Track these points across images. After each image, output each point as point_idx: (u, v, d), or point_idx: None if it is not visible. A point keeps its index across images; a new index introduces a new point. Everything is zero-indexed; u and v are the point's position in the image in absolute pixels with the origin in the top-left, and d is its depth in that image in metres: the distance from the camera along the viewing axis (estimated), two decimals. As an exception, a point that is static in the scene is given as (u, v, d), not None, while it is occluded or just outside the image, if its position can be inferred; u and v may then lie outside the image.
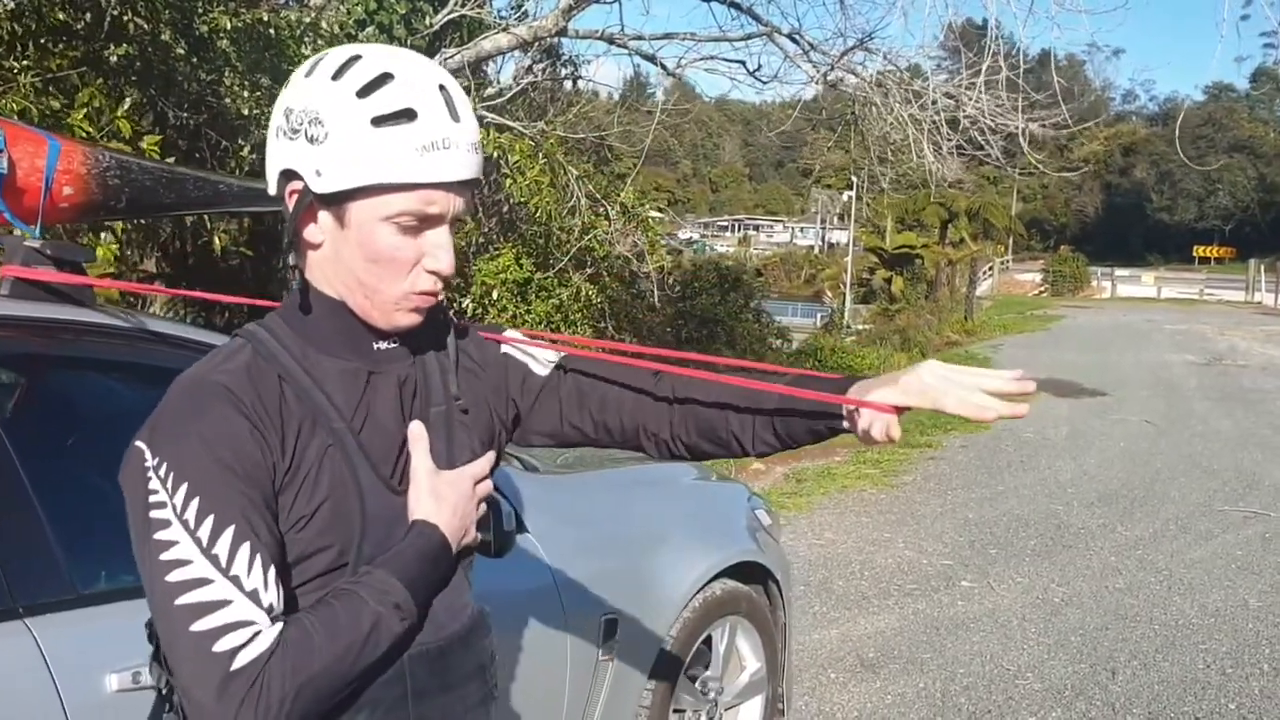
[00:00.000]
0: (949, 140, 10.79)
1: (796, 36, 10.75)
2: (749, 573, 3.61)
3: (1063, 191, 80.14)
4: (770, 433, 1.50)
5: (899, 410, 1.37)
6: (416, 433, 1.42)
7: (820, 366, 13.46)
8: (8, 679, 1.77)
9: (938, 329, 23.76)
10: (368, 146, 1.28)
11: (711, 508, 3.80)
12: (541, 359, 1.59)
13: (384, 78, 1.30)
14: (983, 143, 10.64)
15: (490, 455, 1.50)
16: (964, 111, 10.25)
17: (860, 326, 26.98)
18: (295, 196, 1.33)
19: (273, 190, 1.37)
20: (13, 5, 4.64)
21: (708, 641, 3.47)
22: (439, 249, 1.35)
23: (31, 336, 2.15)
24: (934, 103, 10.55)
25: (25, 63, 4.66)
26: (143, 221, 5.56)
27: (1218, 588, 6.29)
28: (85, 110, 4.73)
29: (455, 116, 1.33)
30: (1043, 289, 46.97)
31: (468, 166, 1.34)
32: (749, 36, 10.83)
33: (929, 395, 1.35)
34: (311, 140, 1.30)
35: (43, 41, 4.84)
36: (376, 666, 1.32)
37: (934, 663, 5.06)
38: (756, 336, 14.58)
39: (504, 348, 1.59)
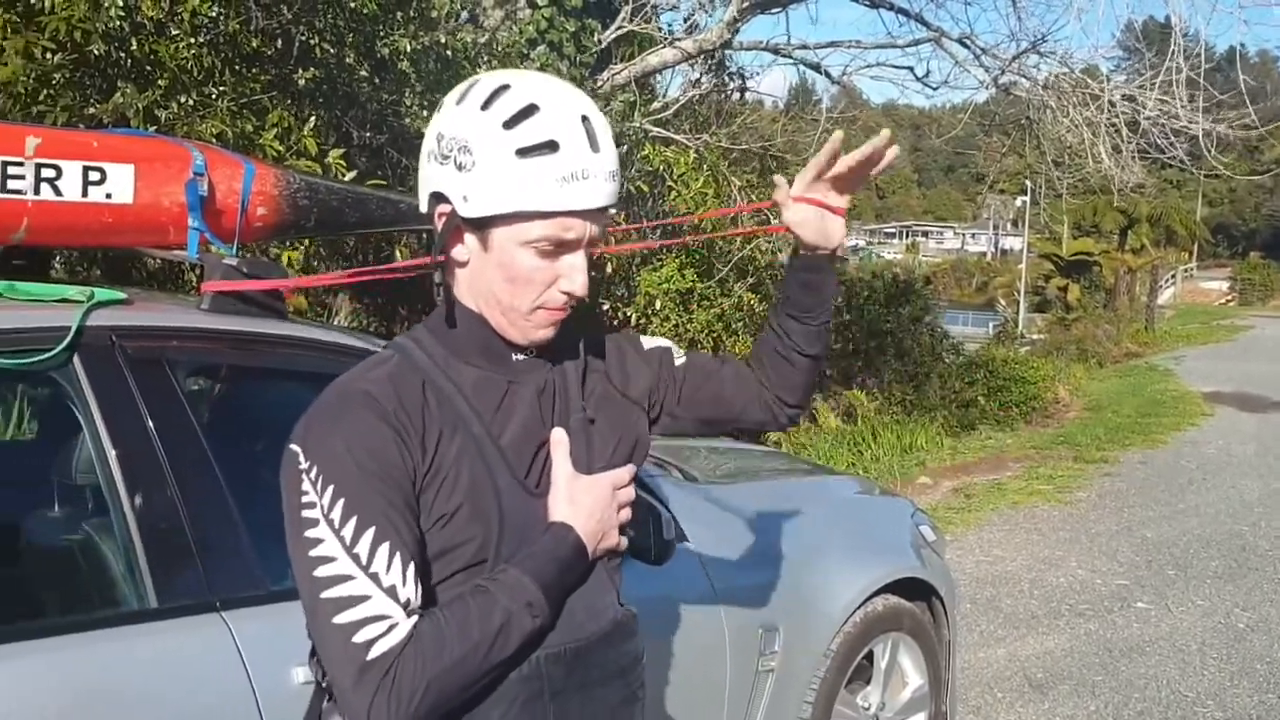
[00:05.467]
0: (1128, 143, 10.41)
1: (967, 41, 10.55)
2: (912, 589, 3.57)
3: (1253, 195, 75.73)
4: (782, 324, 1.69)
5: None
6: (558, 438, 1.49)
7: (992, 378, 13.09)
8: (207, 667, 1.92)
9: (1116, 339, 22.82)
10: (512, 176, 1.36)
11: (874, 522, 3.78)
12: (677, 350, 1.72)
13: (530, 109, 1.37)
14: (1164, 145, 10.24)
15: (630, 467, 1.55)
16: (1144, 113, 9.87)
17: (1035, 336, 26.12)
18: (444, 218, 1.42)
19: (423, 209, 1.47)
20: (212, 36, 4.95)
21: (869, 657, 3.45)
22: (574, 271, 1.43)
23: (229, 348, 2.31)
24: (1112, 105, 10.20)
25: (222, 89, 4.97)
26: (331, 239, 5.85)
27: None
28: (275, 130, 5.01)
29: (595, 147, 1.39)
30: (1230, 298, 44.68)
31: (604, 195, 1.41)
32: (917, 42, 10.68)
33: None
34: (460, 167, 1.38)
35: (238, 68, 5.14)
36: (507, 663, 1.38)
37: (1106, 685, 4.89)
38: (926, 348, 14.28)
39: (645, 344, 1.70)
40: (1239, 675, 5.05)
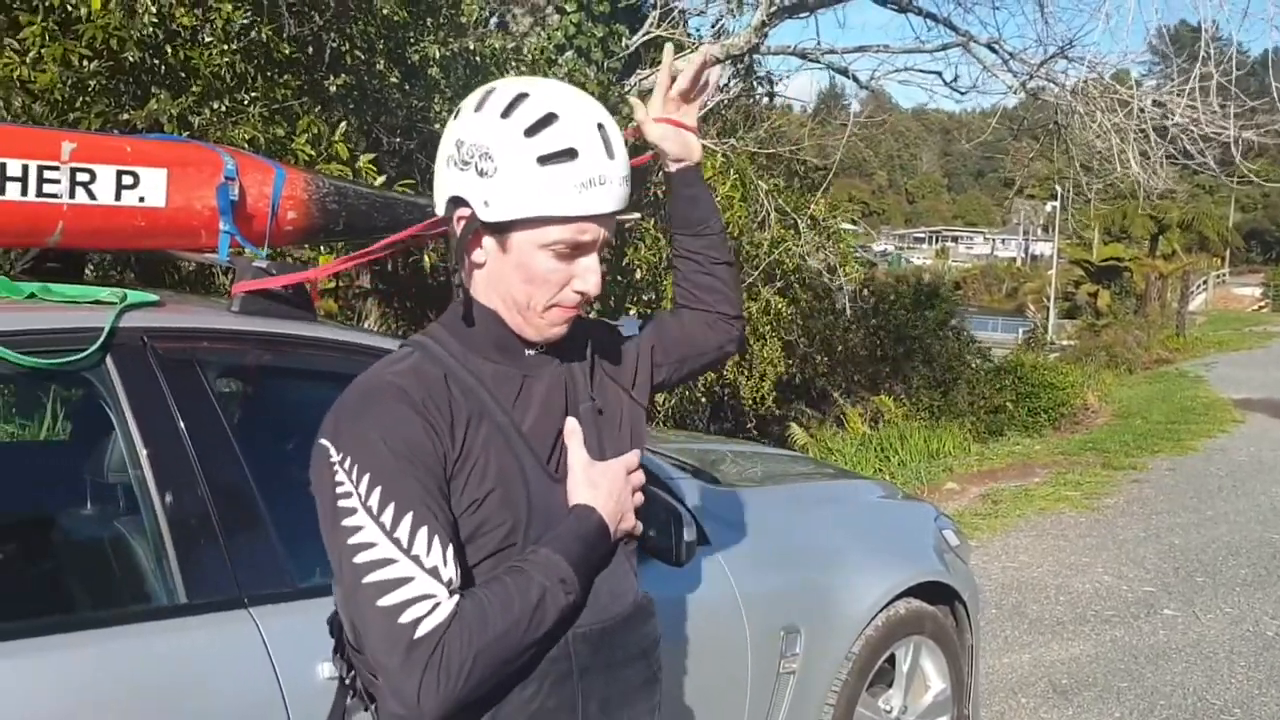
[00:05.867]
0: (1158, 149, 10.35)
1: (995, 45, 10.53)
2: (935, 593, 3.57)
3: (1288, 200, 75.05)
4: (686, 246, 1.85)
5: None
6: (571, 427, 1.55)
7: (1021, 384, 13.03)
8: (235, 663, 1.96)
9: (1146, 345, 22.65)
10: (533, 183, 1.42)
11: (897, 526, 3.78)
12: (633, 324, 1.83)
13: (549, 118, 1.43)
14: (1194, 152, 10.17)
15: (637, 451, 1.62)
16: (1173, 119, 9.81)
17: (1065, 342, 26.02)
18: (463, 222, 1.47)
19: (441, 212, 1.52)
20: (244, 43, 5.01)
21: (891, 660, 3.45)
22: (588, 272, 1.49)
23: (258, 349, 2.34)
24: (1141, 110, 10.14)
25: (254, 95, 5.03)
26: (360, 241, 5.89)
27: None
28: (306, 136, 5.06)
29: (611, 154, 1.45)
30: (1263, 304, 44.19)
31: (618, 199, 1.48)
32: (945, 47, 10.67)
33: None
34: (481, 174, 1.44)
35: (270, 74, 5.21)
36: (544, 639, 1.43)
37: (1131, 692, 4.87)
38: (954, 354, 14.23)
39: (624, 333, 1.79)
40: (1267, 683, 5.02)
